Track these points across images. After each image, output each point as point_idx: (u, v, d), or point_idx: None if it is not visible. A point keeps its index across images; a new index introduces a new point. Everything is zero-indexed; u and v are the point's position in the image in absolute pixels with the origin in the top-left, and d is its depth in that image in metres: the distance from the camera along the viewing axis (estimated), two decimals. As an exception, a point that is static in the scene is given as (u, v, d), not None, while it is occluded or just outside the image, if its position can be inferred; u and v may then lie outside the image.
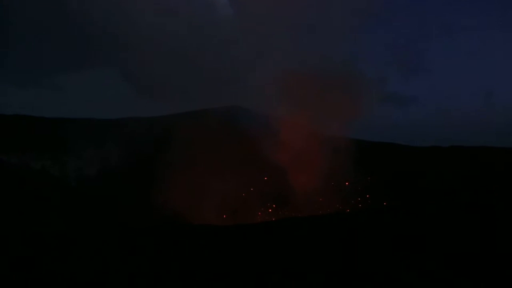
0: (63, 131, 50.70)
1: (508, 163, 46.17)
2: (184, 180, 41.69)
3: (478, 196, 36.10)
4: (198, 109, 62.03)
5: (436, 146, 56.63)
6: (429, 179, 44.04)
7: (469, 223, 17.10)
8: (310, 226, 19.63)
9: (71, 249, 15.98)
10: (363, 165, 45.24)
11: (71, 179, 48.48)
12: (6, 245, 16.72)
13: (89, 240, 18.24)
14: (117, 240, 18.25)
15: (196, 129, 47.78)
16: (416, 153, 53.75)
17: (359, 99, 53.52)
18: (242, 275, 11.85)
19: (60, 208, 42.35)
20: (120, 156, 49.83)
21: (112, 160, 49.98)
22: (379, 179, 44.16)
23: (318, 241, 15.63)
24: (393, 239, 15.11)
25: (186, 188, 41.71)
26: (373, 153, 51.89)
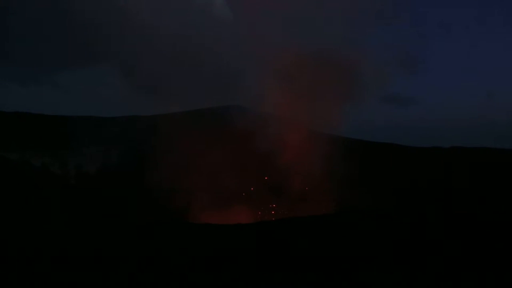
0: (63, 128, 50.75)
1: (509, 165, 46.22)
2: (184, 178, 41.75)
3: (479, 198, 36.16)
4: (197, 108, 62.15)
5: (437, 147, 56.64)
6: (429, 180, 44.09)
7: (470, 225, 17.09)
8: (310, 226, 19.65)
9: (70, 246, 15.99)
10: (363, 165, 45.27)
11: (71, 177, 48.49)
12: (6, 243, 16.75)
13: (88, 237, 18.26)
14: (117, 237, 18.27)
15: (195, 127, 47.83)
16: (417, 154, 53.77)
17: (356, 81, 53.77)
18: (242, 274, 11.85)
19: (60, 205, 42.41)
20: (120, 154, 49.87)
21: (112, 157, 50.01)
22: (380, 180, 44.18)
23: (318, 241, 15.63)
24: (392, 241, 15.11)
25: (185, 186, 41.77)
26: (373, 154, 51.91)
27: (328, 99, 52.23)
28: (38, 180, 44.74)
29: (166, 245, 15.73)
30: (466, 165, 47.12)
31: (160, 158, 44.00)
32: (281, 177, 45.16)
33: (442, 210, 21.92)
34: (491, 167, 45.93)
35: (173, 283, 11.13)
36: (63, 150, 49.30)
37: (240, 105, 60.75)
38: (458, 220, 18.35)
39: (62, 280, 11.53)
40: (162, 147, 44.96)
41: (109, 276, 11.63)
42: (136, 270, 12.30)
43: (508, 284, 10.69)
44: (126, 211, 40.83)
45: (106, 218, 38.78)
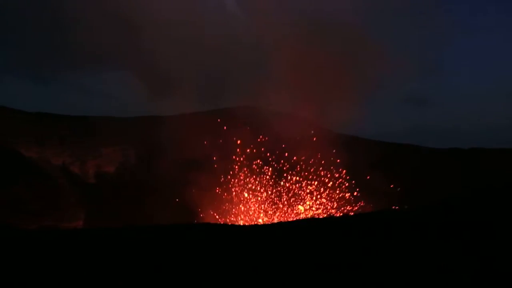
0: (82, 128, 51.52)
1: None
2: (203, 179, 42.03)
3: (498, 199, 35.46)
4: (214, 109, 62.39)
5: (456, 148, 55.81)
6: (448, 181, 43.52)
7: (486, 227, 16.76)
8: (324, 228, 19.51)
9: (80, 246, 16.11)
10: (381, 167, 44.85)
11: (90, 176, 49.24)
12: (22, 240, 17.02)
13: (99, 237, 18.38)
14: (128, 238, 18.32)
15: (213, 127, 48.06)
16: (435, 155, 53.10)
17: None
18: (250, 277, 11.87)
19: (78, 204, 43.24)
20: (139, 153, 50.42)
21: (130, 157, 50.60)
22: (398, 181, 43.75)
23: (329, 244, 15.47)
24: (407, 244, 14.91)
25: (204, 187, 42.04)
26: (391, 155, 51.42)
27: (345, 98, 52.01)
28: (58, 178, 45.62)
29: (179, 246, 15.76)
30: (485, 167, 46.43)
31: (178, 158, 44.38)
32: (297, 177, 45.06)
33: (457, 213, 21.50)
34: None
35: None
36: (81, 150, 50.06)
37: (256, 105, 60.82)
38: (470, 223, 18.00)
39: (78, 281, 11.69)
40: (180, 147, 45.30)
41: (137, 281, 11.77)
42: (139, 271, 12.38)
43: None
44: (142, 211, 41.37)
45: (121, 218, 39.40)
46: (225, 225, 25.50)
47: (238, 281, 11.68)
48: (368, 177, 42.67)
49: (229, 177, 43.96)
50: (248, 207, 43.28)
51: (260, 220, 42.01)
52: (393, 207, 39.71)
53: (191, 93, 66.98)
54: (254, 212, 42.93)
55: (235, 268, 12.66)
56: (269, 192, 44.61)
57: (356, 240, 15.81)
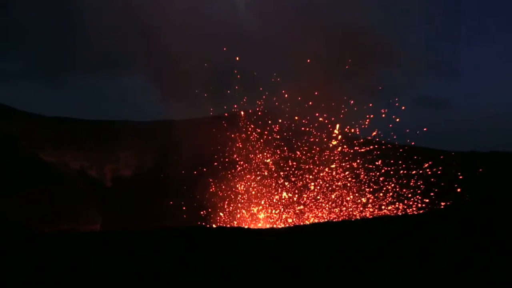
0: (100, 132, 52.14)
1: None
2: (217, 181, 42.12)
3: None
4: (229, 112, 62.34)
5: (475, 152, 54.87)
6: (467, 185, 42.77)
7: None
8: (333, 233, 19.26)
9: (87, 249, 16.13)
10: (396, 171, 44.33)
11: (107, 180, 49.74)
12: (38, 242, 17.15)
13: (116, 240, 18.41)
14: (144, 240, 18.32)
15: (228, 131, 48.13)
16: (454, 158, 52.28)
17: None
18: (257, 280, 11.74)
19: (96, 208, 43.68)
20: (155, 157, 50.75)
21: (147, 161, 50.96)
22: (414, 185, 43.22)
23: (336, 249, 15.22)
24: (421, 248, 14.63)
25: (219, 189, 42.11)
26: (407, 157, 50.78)
27: (357, 99, 51.48)
28: (75, 182, 46.18)
29: (207, 251, 15.66)
30: (507, 171, 45.60)
31: (193, 161, 44.53)
32: (310, 179, 44.81)
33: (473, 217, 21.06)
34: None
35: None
36: (99, 154, 50.64)
37: (269, 108, 60.53)
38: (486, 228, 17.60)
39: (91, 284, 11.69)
40: (195, 150, 45.49)
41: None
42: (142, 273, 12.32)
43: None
44: (160, 213, 41.58)
45: (136, 221, 39.66)
46: (241, 228, 25.44)
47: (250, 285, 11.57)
48: (382, 179, 42.29)
49: (243, 180, 43.96)
50: (263, 209, 43.21)
51: (271, 222, 41.92)
52: (407, 210, 39.31)
53: (205, 96, 67.02)
54: (269, 214, 42.80)
55: (248, 273, 12.56)
56: (283, 194, 44.49)
57: (358, 243, 15.66)
